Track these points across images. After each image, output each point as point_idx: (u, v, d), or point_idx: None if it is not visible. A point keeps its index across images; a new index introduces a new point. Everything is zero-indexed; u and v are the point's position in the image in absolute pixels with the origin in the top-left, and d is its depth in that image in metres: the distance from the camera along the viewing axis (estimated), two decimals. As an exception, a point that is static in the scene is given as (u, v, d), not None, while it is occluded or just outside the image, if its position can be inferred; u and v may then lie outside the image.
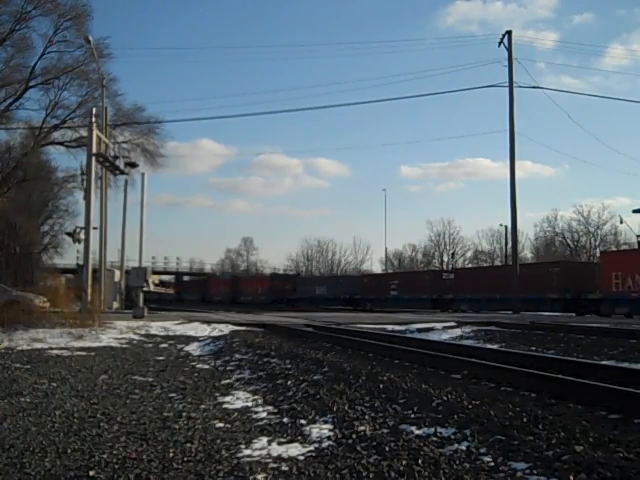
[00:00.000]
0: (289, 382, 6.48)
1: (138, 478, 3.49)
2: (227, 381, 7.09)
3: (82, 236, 21.45)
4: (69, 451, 4.04)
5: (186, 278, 73.89)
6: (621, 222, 33.14)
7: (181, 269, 79.17)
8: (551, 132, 75.49)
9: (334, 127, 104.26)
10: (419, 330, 14.17)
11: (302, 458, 3.84)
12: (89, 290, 19.12)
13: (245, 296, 50.56)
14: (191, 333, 13.22)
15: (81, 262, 23.57)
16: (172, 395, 6.20)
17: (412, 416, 4.66)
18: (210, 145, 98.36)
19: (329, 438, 4.25)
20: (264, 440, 4.30)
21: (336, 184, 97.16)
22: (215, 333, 12.84)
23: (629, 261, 23.99)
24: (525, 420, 4.20)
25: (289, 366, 7.64)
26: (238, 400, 5.87)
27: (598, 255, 44.63)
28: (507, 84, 25.91)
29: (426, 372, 6.76)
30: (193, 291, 60.83)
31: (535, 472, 3.28)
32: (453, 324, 14.86)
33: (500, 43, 26.29)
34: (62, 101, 31.28)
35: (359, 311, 34.00)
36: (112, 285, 24.68)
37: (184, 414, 5.20)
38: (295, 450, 4.02)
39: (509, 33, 26.15)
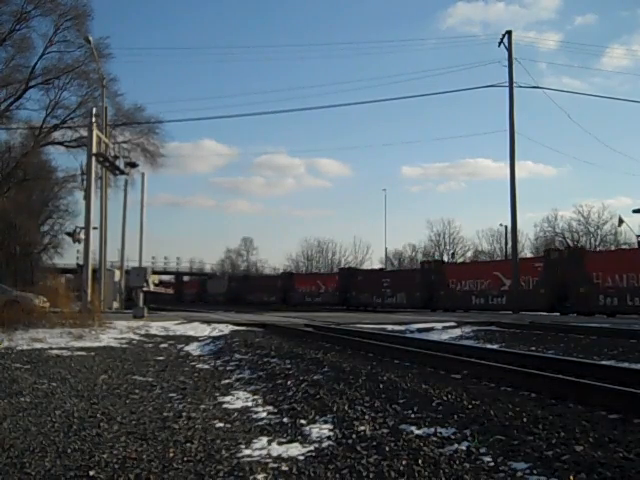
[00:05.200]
0: (289, 382, 6.48)
1: (138, 478, 3.49)
2: (227, 381, 7.09)
3: (82, 236, 21.49)
4: (69, 451, 4.04)
5: (208, 278, 68.04)
6: (620, 224, 33.13)
7: (181, 269, 79.28)
8: (552, 132, 75.40)
9: (336, 127, 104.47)
10: (419, 330, 14.17)
11: (302, 458, 3.84)
12: (89, 290, 19.12)
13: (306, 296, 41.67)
14: (191, 333, 13.22)
15: (81, 262, 23.60)
16: (172, 395, 6.20)
17: (412, 416, 4.66)
18: (212, 145, 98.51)
19: (329, 438, 4.25)
20: (264, 440, 4.30)
21: (338, 184, 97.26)
22: (215, 333, 12.84)
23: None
24: (525, 420, 4.20)
25: (289, 366, 7.64)
26: (238, 400, 5.87)
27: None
28: (507, 84, 25.92)
29: (426, 372, 6.75)
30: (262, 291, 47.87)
31: (535, 472, 3.27)
32: (453, 324, 14.85)
33: (500, 43, 26.29)
34: (62, 101, 31.37)
35: (359, 311, 33.95)
36: (112, 285, 24.72)
37: (184, 414, 5.19)
38: (295, 450, 4.02)
39: (509, 33, 26.14)
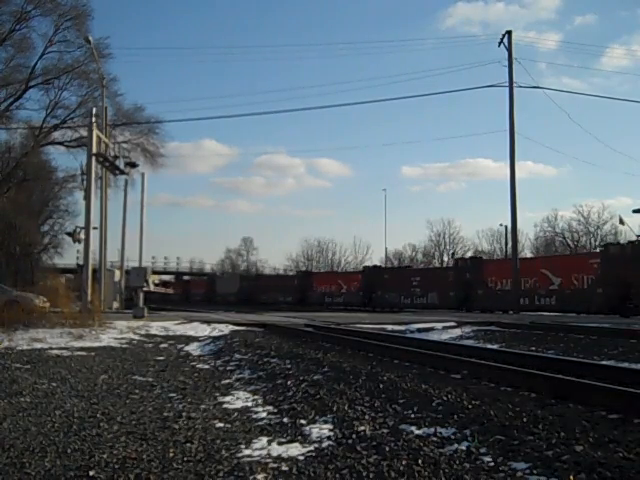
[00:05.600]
0: (289, 382, 6.48)
1: (138, 478, 3.49)
2: (227, 381, 7.09)
3: (82, 236, 21.48)
4: (69, 451, 4.04)
5: (219, 277, 64.70)
6: (622, 223, 33.01)
7: (181, 269, 79.31)
8: (552, 132, 75.31)
9: (336, 127, 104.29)
10: (419, 330, 14.17)
11: (302, 458, 3.84)
12: (89, 290, 19.12)
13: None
14: (191, 333, 13.22)
15: (81, 262, 23.61)
16: (172, 395, 6.20)
17: (412, 416, 4.66)
18: (212, 145, 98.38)
19: (329, 438, 4.25)
20: (264, 440, 4.30)
21: (338, 184, 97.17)
22: (215, 333, 12.84)
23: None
24: (525, 420, 4.20)
25: (289, 366, 7.64)
26: (238, 400, 5.87)
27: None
28: (507, 84, 25.92)
29: (426, 372, 6.76)
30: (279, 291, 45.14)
31: (535, 472, 3.28)
32: (453, 324, 14.86)
33: (500, 43, 26.28)
34: (62, 101, 31.33)
35: (359, 311, 33.85)
36: (112, 285, 24.72)
37: (184, 414, 5.20)
38: (295, 450, 4.02)
39: (509, 33, 26.13)
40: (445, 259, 64.08)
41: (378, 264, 60.64)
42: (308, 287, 40.72)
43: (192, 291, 58.86)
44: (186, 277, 73.55)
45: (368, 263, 69.72)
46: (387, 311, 30.87)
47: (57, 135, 32.55)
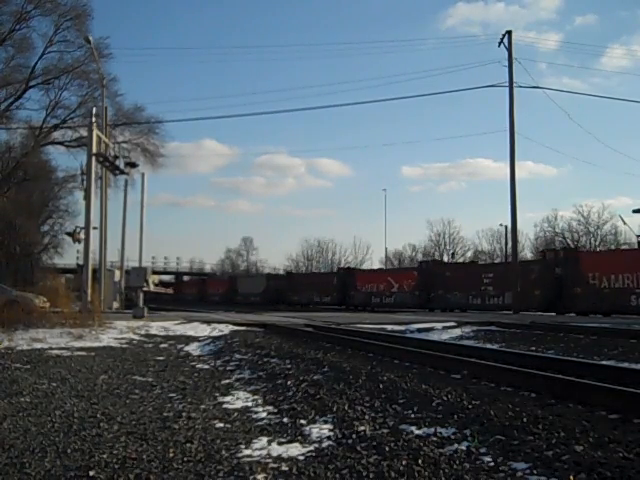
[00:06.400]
0: (289, 382, 6.48)
1: (138, 478, 3.49)
2: (227, 381, 7.09)
3: (82, 236, 21.47)
4: (69, 451, 4.04)
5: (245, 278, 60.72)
6: (623, 222, 32.97)
7: (181, 269, 79.34)
8: (552, 132, 75.44)
9: (336, 127, 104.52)
10: (419, 330, 14.18)
11: (302, 458, 3.84)
12: (89, 290, 19.12)
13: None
14: (191, 333, 13.22)
15: (81, 262, 23.60)
16: (172, 395, 6.20)
17: (412, 416, 4.66)
18: (213, 145, 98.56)
19: (329, 438, 4.25)
20: (264, 440, 4.30)
21: (338, 184, 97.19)
22: (215, 333, 12.84)
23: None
24: (525, 420, 4.20)
25: (289, 366, 7.64)
26: (238, 400, 5.87)
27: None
28: (507, 84, 25.92)
29: (426, 372, 6.76)
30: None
31: (535, 472, 3.27)
32: (453, 324, 14.87)
33: (500, 43, 26.29)
34: (62, 101, 31.38)
35: (358, 311, 33.71)
36: (112, 285, 24.71)
37: (184, 414, 5.19)
38: (295, 450, 4.02)
39: (509, 33, 26.15)
40: (445, 259, 64.07)
41: (378, 265, 58.99)
42: (350, 286, 37.13)
43: (209, 291, 55.34)
44: (203, 276, 70.39)
45: (368, 263, 69.18)
46: (448, 312, 27.06)
47: (57, 135, 32.63)
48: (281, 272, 63.25)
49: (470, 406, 4.76)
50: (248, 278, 56.21)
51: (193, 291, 59.32)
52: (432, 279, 31.57)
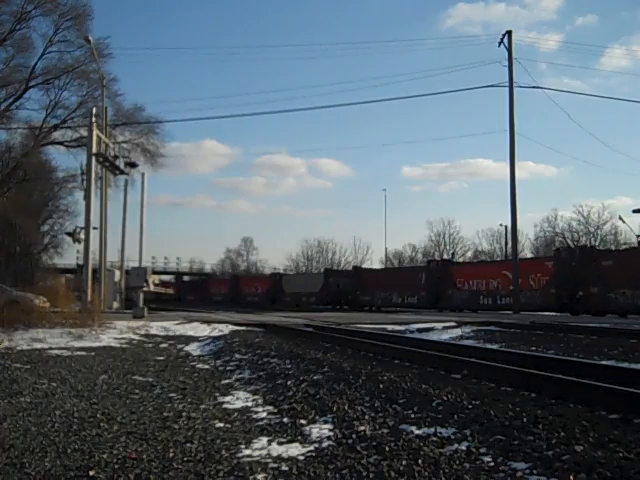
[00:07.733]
0: (289, 382, 6.48)
1: (138, 478, 3.49)
2: (227, 381, 7.09)
3: (82, 236, 21.50)
4: (69, 451, 4.04)
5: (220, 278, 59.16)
6: (623, 222, 32.94)
7: (181, 269, 79.27)
8: (552, 132, 75.46)
9: (336, 127, 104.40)
10: (419, 330, 14.17)
11: (302, 458, 3.84)
12: (89, 290, 19.13)
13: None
14: (191, 333, 13.22)
15: (81, 262, 23.64)
16: (172, 395, 6.20)
17: (412, 416, 4.66)
18: (213, 145, 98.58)
19: (329, 438, 4.25)
20: (264, 440, 4.30)
21: (338, 184, 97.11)
22: (215, 333, 12.84)
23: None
24: (525, 420, 4.20)
25: (289, 366, 7.64)
26: (238, 400, 5.87)
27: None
28: (507, 84, 25.93)
29: (426, 372, 6.75)
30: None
31: (535, 472, 3.27)
32: (453, 324, 14.86)
33: (500, 43, 26.31)
34: (62, 101, 31.30)
35: (358, 311, 33.63)
36: (112, 285, 24.73)
37: (184, 414, 5.19)
38: (295, 450, 4.02)
39: (509, 33, 26.15)
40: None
41: (378, 265, 55.87)
42: (447, 283, 30.33)
43: (244, 291, 49.25)
44: (232, 275, 64.14)
45: (368, 263, 68.62)
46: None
47: (57, 135, 32.56)
48: (281, 272, 62.42)
49: (470, 406, 4.76)
50: (299, 276, 49.80)
51: (223, 290, 53.59)
52: (579, 273, 23.38)
